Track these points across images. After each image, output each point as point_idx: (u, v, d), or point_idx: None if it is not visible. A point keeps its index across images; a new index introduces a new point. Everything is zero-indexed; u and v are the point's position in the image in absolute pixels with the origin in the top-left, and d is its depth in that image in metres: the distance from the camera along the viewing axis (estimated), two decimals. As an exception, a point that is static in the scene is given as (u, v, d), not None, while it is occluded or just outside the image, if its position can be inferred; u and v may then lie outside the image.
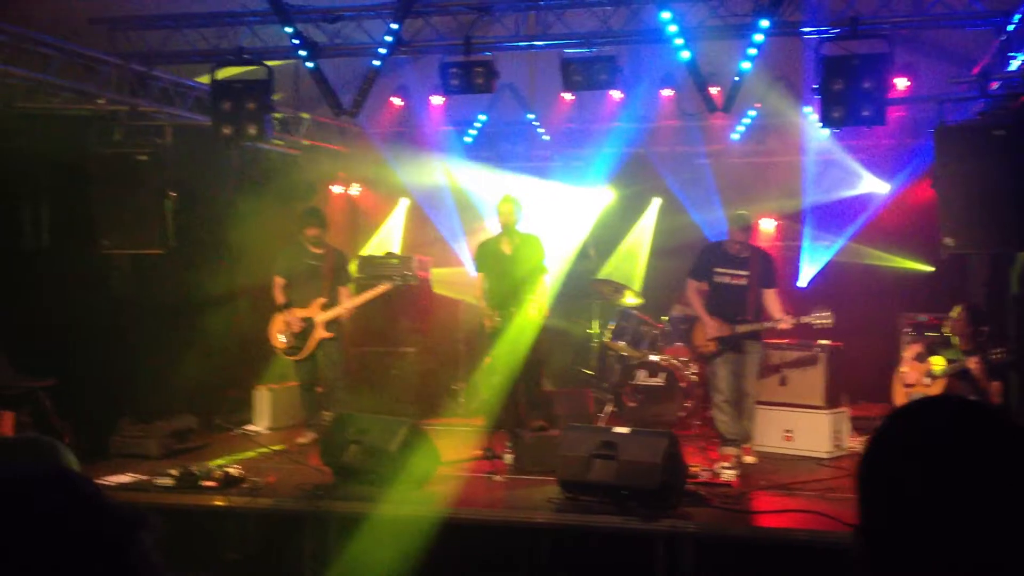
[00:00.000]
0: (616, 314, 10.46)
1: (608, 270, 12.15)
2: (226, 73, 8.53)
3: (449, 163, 12.52)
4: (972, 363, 7.63)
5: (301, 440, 8.80)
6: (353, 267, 10.77)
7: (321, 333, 8.66)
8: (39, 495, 1.29)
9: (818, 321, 8.11)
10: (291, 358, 8.82)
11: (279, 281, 8.78)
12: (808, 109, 10.09)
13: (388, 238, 12.46)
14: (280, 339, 8.74)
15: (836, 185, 11.59)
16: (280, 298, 8.75)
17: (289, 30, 8.13)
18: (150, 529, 1.32)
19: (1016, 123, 7.21)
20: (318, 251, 8.81)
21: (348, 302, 8.71)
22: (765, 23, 7.47)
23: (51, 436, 2.31)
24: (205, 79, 8.78)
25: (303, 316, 8.67)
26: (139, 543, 1.29)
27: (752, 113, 10.71)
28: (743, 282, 8.37)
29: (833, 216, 11.69)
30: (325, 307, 8.66)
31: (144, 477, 7.32)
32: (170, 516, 6.87)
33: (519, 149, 12.50)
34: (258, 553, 6.75)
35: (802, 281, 11.79)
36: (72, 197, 8.50)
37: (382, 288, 9.00)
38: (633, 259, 12.42)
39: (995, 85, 7.74)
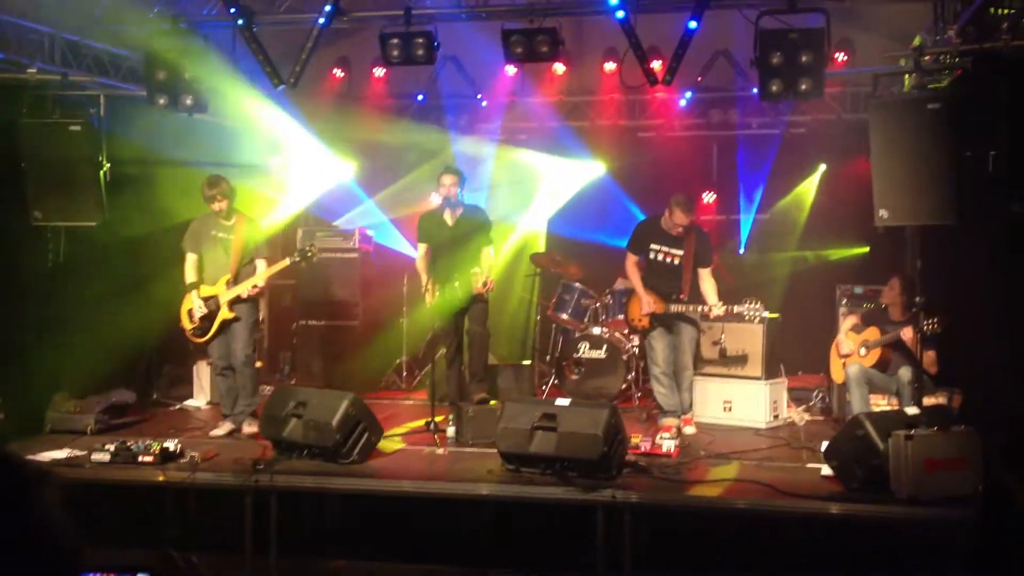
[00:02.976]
0: (558, 287, 10.49)
1: (553, 244, 12.20)
2: (161, 42, 8.35)
3: (391, 135, 12.44)
4: (906, 333, 7.76)
5: (216, 432, 8.16)
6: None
7: (224, 315, 8.02)
8: None
9: (749, 313, 8.12)
10: (197, 340, 8.23)
11: (189, 257, 8.19)
12: (748, 83, 10.16)
13: (328, 210, 12.33)
14: (187, 320, 8.16)
15: (774, 152, 11.70)
16: (189, 275, 8.17)
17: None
18: (52, 485, 1.30)
19: (950, 97, 7.30)
20: (227, 223, 8.14)
21: (247, 280, 8.04)
22: (705, -4, 7.51)
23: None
24: (140, 48, 8.59)
25: (208, 295, 8.10)
26: (40, 498, 1.27)
27: (693, 87, 10.75)
28: (677, 261, 8.42)
29: (771, 187, 11.84)
30: (230, 285, 8.04)
31: (80, 453, 7.22)
32: (107, 492, 6.81)
33: (462, 122, 12.44)
34: (198, 529, 6.70)
35: (743, 249, 11.96)
36: (2, 168, 8.29)
37: (280, 265, 8.29)
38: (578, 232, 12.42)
39: (930, 59, 7.84)
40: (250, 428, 8.07)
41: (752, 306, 8.11)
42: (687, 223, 8.36)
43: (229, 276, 8.02)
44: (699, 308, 8.31)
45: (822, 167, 11.65)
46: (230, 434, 8.09)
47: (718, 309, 8.19)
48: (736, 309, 8.16)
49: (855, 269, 10.42)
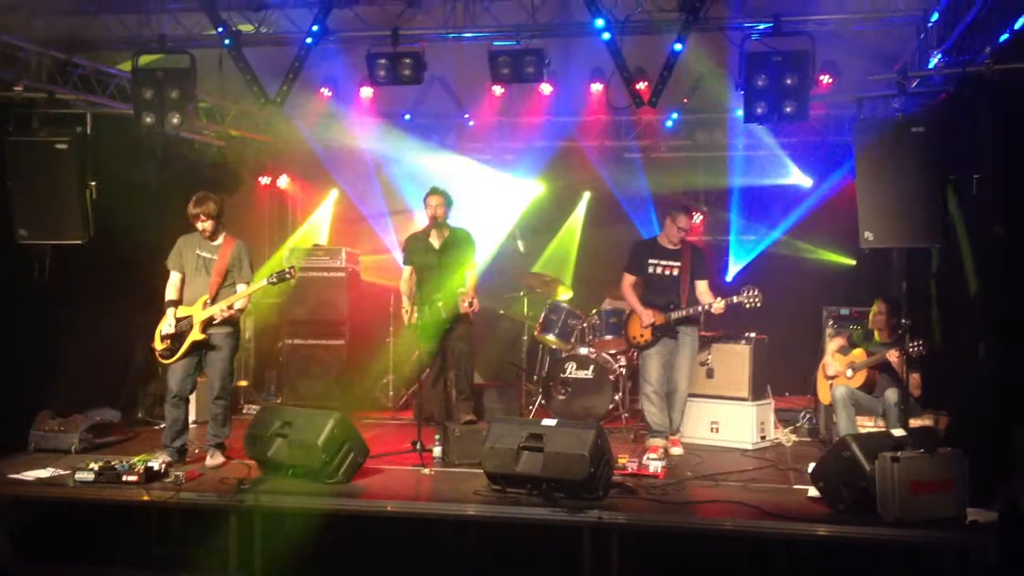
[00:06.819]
0: (546, 307, 10.49)
1: (540, 264, 12.19)
2: (148, 61, 8.34)
3: (378, 155, 12.46)
4: (892, 355, 7.78)
5: (150, 464, 7.19)
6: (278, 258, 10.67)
7: (195, 336, 7.66)
8: None
9: (748, 300, 8.24)
10: (164, 362, 7.84)
11: (172, 275, 7.89)
12: (734, 105, 10.21)
13: (316, 230, 12.33)
14: (158, 339, 7.79)
15: (762, 174, 11.78)
16: (169, 294, 7.86)
17: (212, 17, 8.01)
18: None
19: (934, 120, 7.36)
20: (214, 242, 7.87)
21: (222, 302, 7.66)
22: (690, 19, 7.55)
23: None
24: (127, 66, 8.59)
25: (183, 316, 7.73)
26: None
27: (679, 108, 10.81)
28: (675, 272, 8.48)
29: (760, 209, 11.90)
30: (206, 307, 7.70)
31: (64, 471, 7.18)
32: (92, 511, 6.77)
33: (449, 142, 12.46)
34: (182, 548, 6.66)
35: (729, 276, 11.97)
36: (-12, 186, 8.26)
37: (256, 285, 7.92)
38: (565, 253, 12.46)
39: (914, 83, 7.90)
40: (214, 460, 7.77)
41: (750, 293, 8.21)
42: (689, 227, 8.57)
43: (207, 297, 7.73)
44: (699, 308, 8.37)
45: (808, 182, 11.72)
46: (163, 467, 7.23)
47: (718, 304, 8.27)
48: (735, 299, 8.26)
49: (841, 290, 10.46)
